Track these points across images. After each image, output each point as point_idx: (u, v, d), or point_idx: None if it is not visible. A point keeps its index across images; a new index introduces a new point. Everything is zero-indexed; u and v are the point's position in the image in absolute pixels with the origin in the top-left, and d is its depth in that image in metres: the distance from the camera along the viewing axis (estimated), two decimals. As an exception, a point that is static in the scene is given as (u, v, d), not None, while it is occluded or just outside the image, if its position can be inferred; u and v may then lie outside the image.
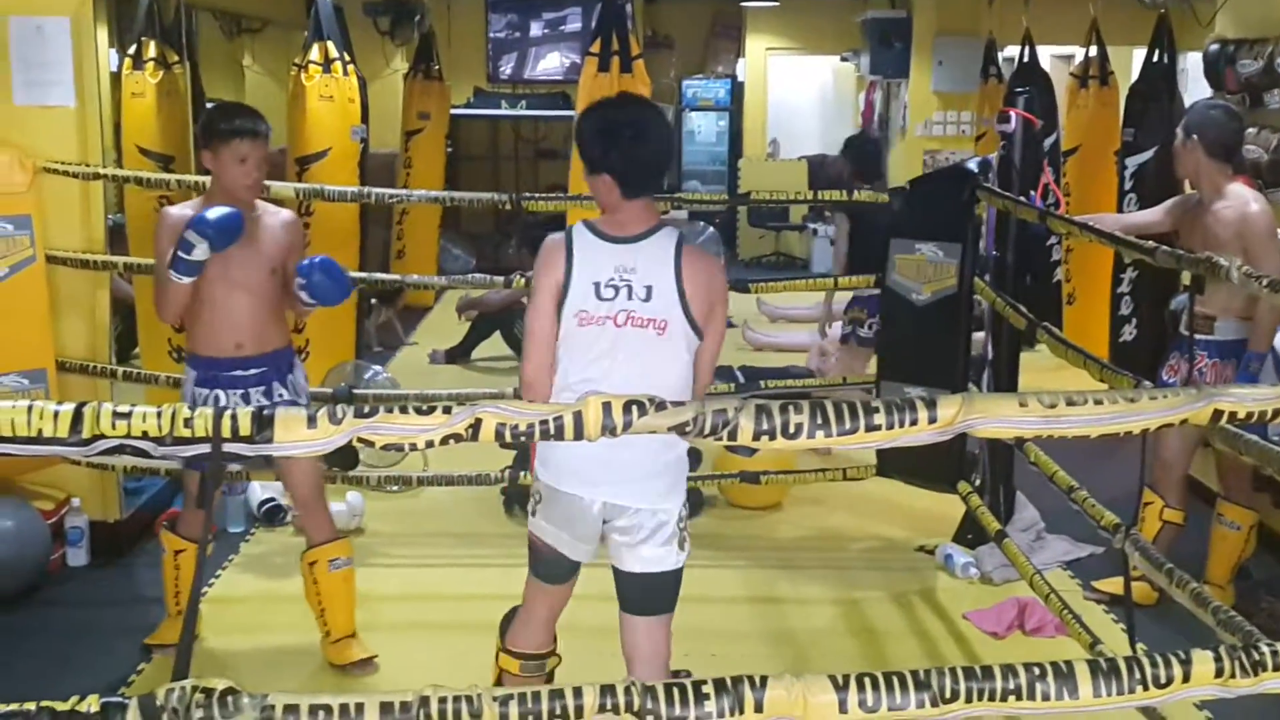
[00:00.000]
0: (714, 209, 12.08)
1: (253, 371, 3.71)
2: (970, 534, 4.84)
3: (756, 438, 1.54)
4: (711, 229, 12.18)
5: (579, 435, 1.53)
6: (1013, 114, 4.92)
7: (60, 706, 1.42)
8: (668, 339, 2.77)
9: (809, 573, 4.76)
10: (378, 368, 6.08)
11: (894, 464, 4.82)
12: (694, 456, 5.44)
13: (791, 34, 13.29)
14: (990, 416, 1.60)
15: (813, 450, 5.62)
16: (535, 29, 12.57)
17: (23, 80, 4.55)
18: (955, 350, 4.56)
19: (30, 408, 1.46)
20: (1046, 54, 9.57)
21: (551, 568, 2.96)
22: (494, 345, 8.17)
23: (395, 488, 5.13)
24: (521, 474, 4.89)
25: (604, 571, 3.00)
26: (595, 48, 5.05)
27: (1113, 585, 4.38)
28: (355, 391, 5.05)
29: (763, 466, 5.21)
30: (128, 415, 1.46)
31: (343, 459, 5.14)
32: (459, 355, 8.22)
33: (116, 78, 6.47)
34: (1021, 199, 4.61)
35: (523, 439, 1.55)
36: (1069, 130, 7.53)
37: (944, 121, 10.64)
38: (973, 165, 4.97)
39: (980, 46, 9.67)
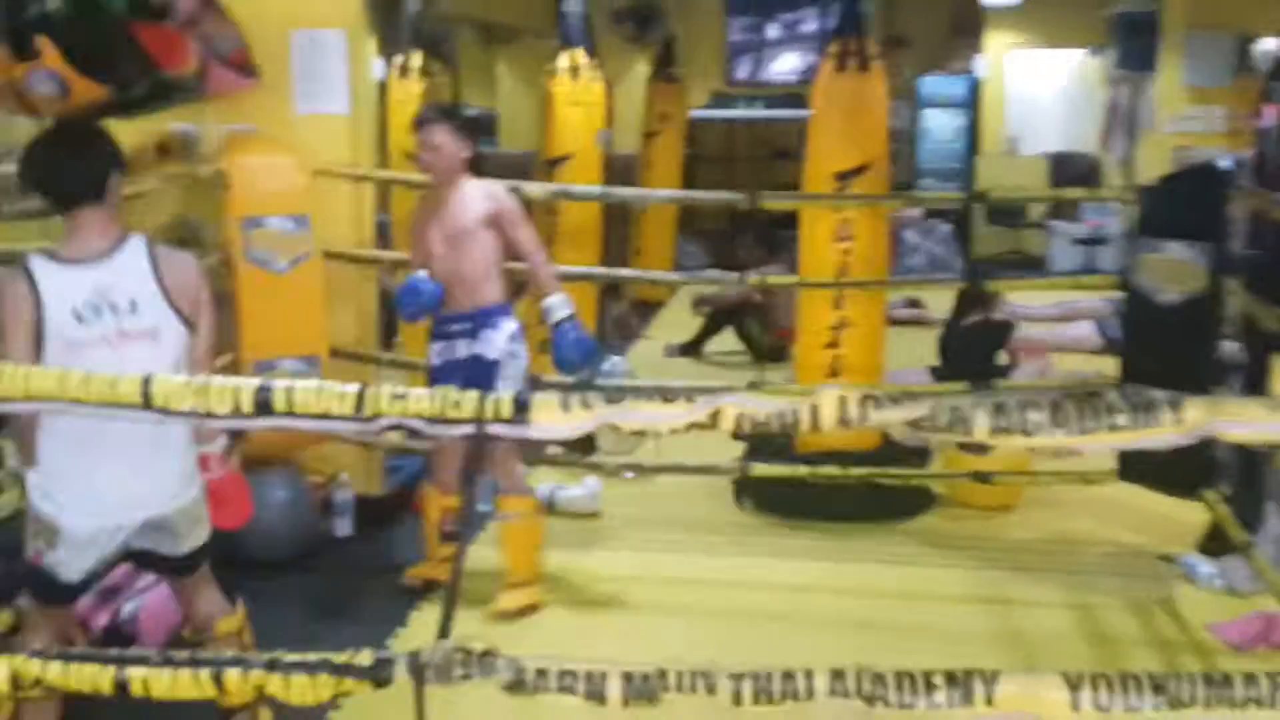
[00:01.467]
0: (950, 207, 11.85)
1: (459, 326, 4.13)
2: (1215, 544, 4.59)
3: (993, 435, 1.52)
4: (947, 227, 11.92)
5: (816, 428, 1.56)
6: (1268, 110, 4.63)
7: (337, 658, 1.54)
8: (162, 346, 2.80)
9: (1041, 576, 4.62)
10: (617, 357, 6.23)
11: (1137, 468, 4.61)
12: (922, 454, 5.36)
13: (1033, 29, 12.84)
14: (1238, 420, 1.54)
15: (1056, 452, 5.46)
16: (772, 31, 12.58)
17: (302, 90, 4.88)
18: (1203, 353, 4.33)
19: (319, 388, 1.59)
20: (1308, 46, 8.93)
21: None
22: (726, 340, 8.24)
23: (631, 474, 5.25)
24: (753, 465, 4.94)
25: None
26: (833, 48, 5.03)
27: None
28: (596, 380, 5.19)
29: (995, 467, 5.08)
30: (404, 397, 1.57)
31: (580, 445, 5.32)
32: (692, 349, 8.32)
33: (382, 86, 6.84)
34: (1277, 198, 4.35)
35: (761, 429, 1.58)
36: (1333, 125, 7.00)
37: (1194, 117, 10.07)
38: (1225, 163, 4.71)
39: (1234, 40, 9.11)
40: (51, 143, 2.84)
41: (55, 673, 1.57)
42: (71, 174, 2.78)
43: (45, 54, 3.68)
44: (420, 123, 4.14)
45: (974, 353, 6.30)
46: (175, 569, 2.94)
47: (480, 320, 4.13)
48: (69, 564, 2.65)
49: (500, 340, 4.11)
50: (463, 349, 4.15)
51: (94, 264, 2.76)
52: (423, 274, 4.17)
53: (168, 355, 2.80)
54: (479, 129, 4.09)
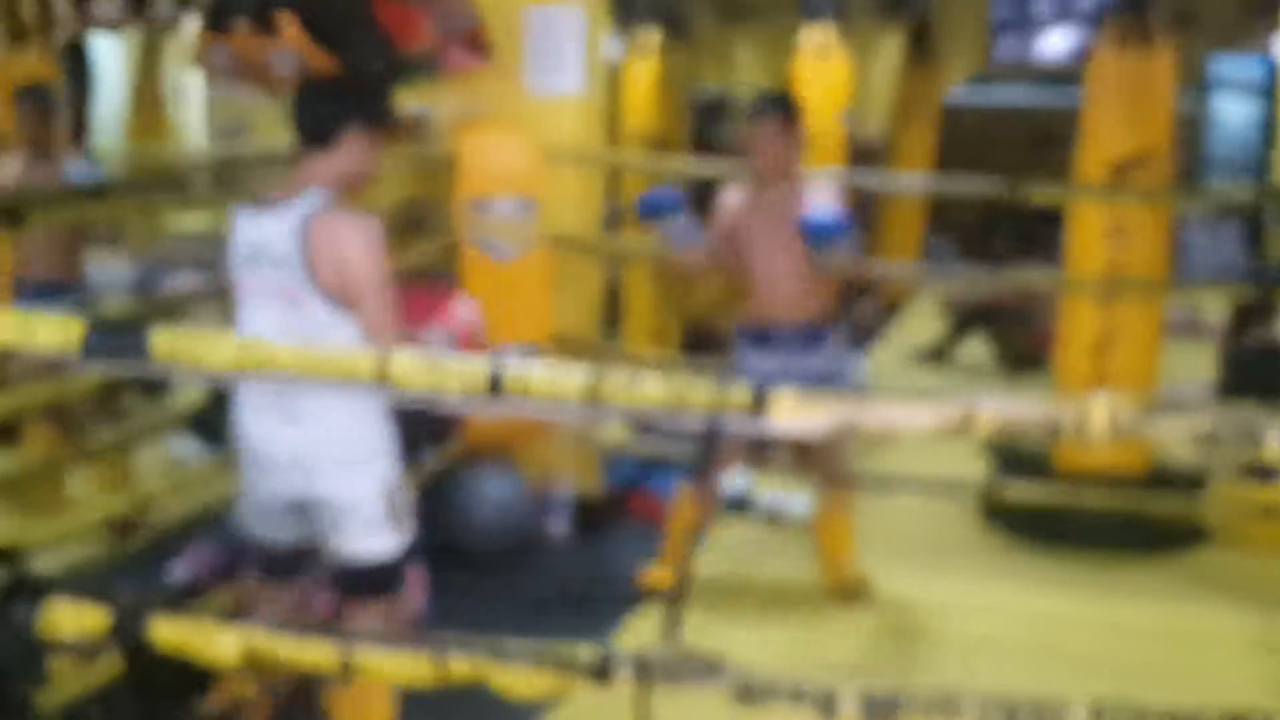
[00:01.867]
0: (1240, 203, 11.23)
1: (788, 340, 4.07)
2: None
3: (1287, 453, 1.45)
4: (1235, 225, 11.30)
5: (1082, 437, 1.52)
6: None
7: (563, 651, 1.59)
8: (304, 315, 2.75)
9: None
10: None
11: None
12: (1197, 483, 5.09)
13: (1348, 4, 12.02)
14: None
15: None
16: (1042, 6, 12.20)
17: (535, 68, 5.02)
18: None
19: (553, 371, 1.65)
20: None
21: None
22: (977, 346, 8.03)
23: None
24: (1004, 484, 4.82)
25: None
26: (1112, 24, 4.85)
27: None
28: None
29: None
30: (637, 384, 1.61)
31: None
32: (937, 354, 8.15)
33: (615, 66, 6.98)
34: None
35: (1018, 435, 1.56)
36: None
37: None
38: None
39: None
40: (311, 81, 3.04)
41: (288, 649, 1.69)
42: (305, 112, 2.89)
43: (285, 30, 3.93)
44: (753, 115, 4.04)
45: (1258, 376, 5.97)
46: None
47: (814, 335, 4.08)
48: None
49: (838, 355, 4.15)
50: (794, 364, 4.05)
51: (264, 213, 2.83)
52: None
53: (311, 328, 2.76)
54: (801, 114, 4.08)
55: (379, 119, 2.96)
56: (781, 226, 3.95)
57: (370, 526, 2.83)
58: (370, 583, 2.90)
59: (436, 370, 1.64)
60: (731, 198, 4.15)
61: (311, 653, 1.71)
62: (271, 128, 6.77)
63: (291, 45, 3.95)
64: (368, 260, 2.75)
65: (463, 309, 2.99)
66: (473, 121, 4.94)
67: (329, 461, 2.80)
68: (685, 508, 4.29)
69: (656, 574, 4.37)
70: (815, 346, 4.06)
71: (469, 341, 3.04)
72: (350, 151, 2.87)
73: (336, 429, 2.82)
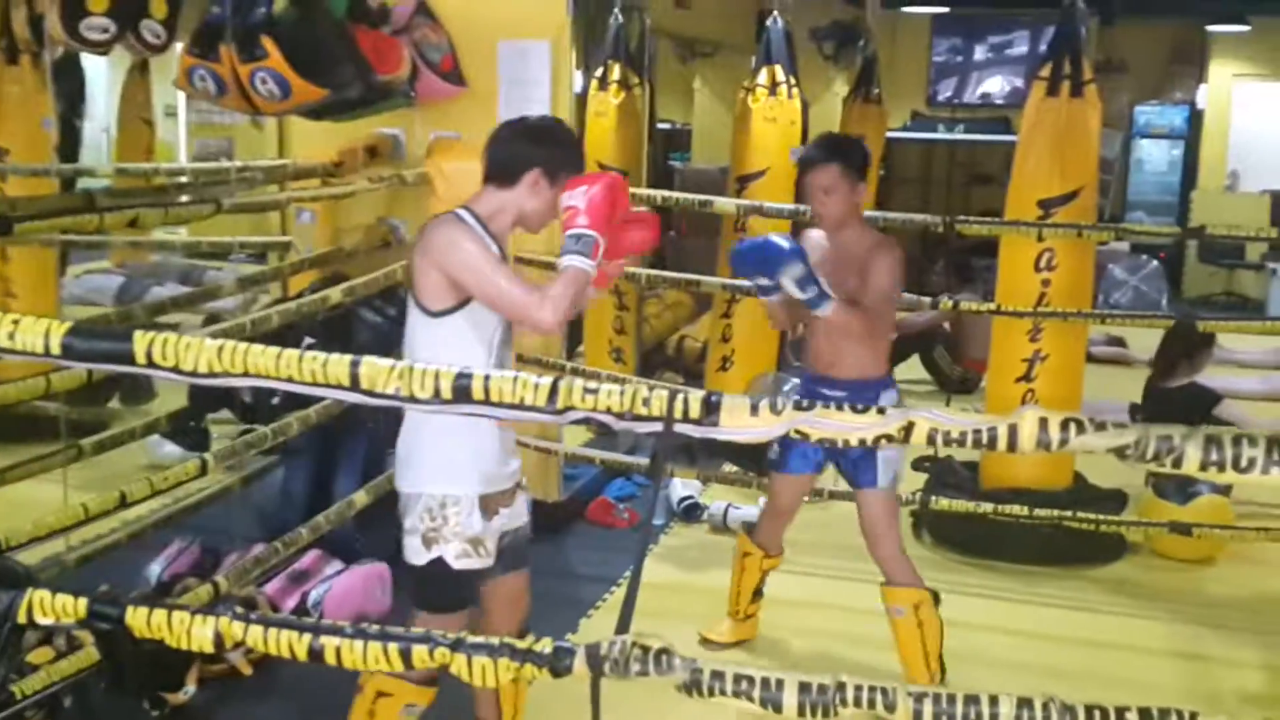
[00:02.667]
0: (1160, 242, 11.40)
1: (835, 394, 3.63)
2: None
3: (1204, 468, 1.47)
4: (1155, 263, 11.48)
5: (1012, 448, 1.53)
6: None
7: (520, 644, 1.59)
8: (433, 329, 2.72)
9: (1240, 635, 4.40)
10: (798, 380, 6.20)
11: (1353, 529, 4.36)
12: (1117, 499, 5.15)
13: (1262, 59, 12.27)
14: None
15: None
16: (979, 52, 12.38)
17: (507, 99, 5.03)
18: None
19: (515, 379, 1.66)
20: None
21: None
22: (912, 368, 8.10)
23: (807, 498, 5.21)
24: (934, 499, 4.85)
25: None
26: (1045, 71, 4.92)
27: None
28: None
29: (1195, 518, 4.87)
30: (595, 391, 1.62)
31: (758, 464, 5.33)
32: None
33: (580, 98, 7.00)
34: None
35: (955, 445, 1.57)
36: None
37: None
38: None
39: None
40: (508, 124, 2.93)
41: (256, 636, 1.68)
42: (494, 148, 2.84)
43: (270, 55, 3.92)
44: (805, 162, 3.63)
45: (1178, 411, 6.06)
46: None
47: (858, 393, 3.56)
48: None
49: None
50: None
51: None
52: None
53: (431, 341, 2.71)
54: (866, 162, 3.63)
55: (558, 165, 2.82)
56: (837, 276, 3.51)
57: (411, 535, 2.76)
58: (414, 591, 2.87)
59: (405, 376, 1.64)
60: (815, 242, 3.70)
61: (282, 641, 1.69)
62: (254, 150, 6.74)
63: (274, 70, 3.94)
64: (461, 247, 2.66)
65: (568, 197, 2.74)
66: (446, 146, 4.93)
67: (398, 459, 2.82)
68: (751, 568, 4.05)
69: (719, 630, 4.15)
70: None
71: (601, 206, 2.69)
72: (528, 186, 2.80)
73: (404, 433, 2.80)
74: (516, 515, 2.91)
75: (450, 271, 2.67)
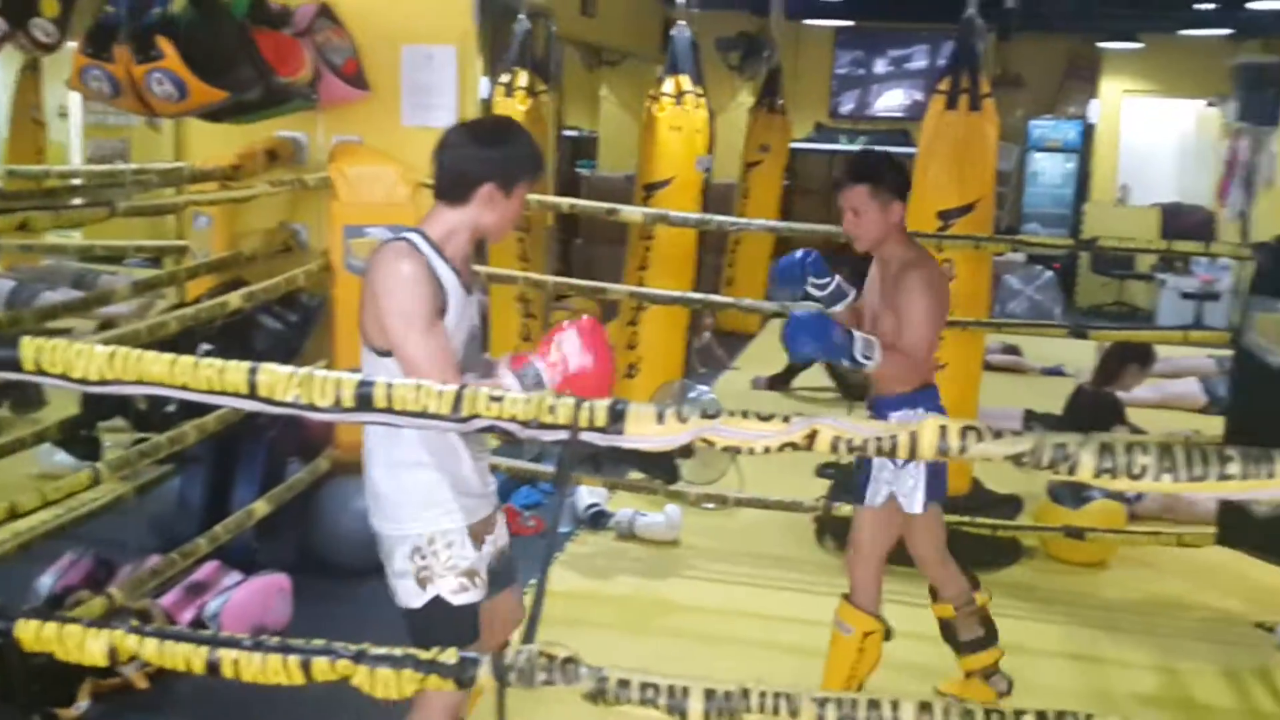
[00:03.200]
0: (1055, 253, 11.69)
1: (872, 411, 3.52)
2: (1320, 616, 4.46)
3: (1097, 475, 1.51)
4: (1050, 273, 11.77)
5: (913, 455, 1.56)
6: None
7: (423, 655, 1.57)
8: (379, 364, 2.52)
9: (1132, 636, 4.52)
10: (704, 387, 6.23)
11: (1236, 533, 4.50)
12: (1013, 504, 5.27)
13: (1152, 76, 12.67)
14: (1356, 476, 1.51)
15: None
16: (880, 66, 12.58)
17: (411, 104, 4.99)
18: (1315, 418, 4.22)
19: (418, 387, 1.63)
20: None
21: None
22: (815, 376, 8.20)
23: (711, 505, 5.25)
24: (837, 505, 4.91)
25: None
26: (943, 85, 5.00)
27: None
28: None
29: (1088, 522, 5.00)
30: (500, 399, 1.60)
31: (664, 472, 5.35)
32: (780, 383, 8.31)
33: (487, 104, 6.97)
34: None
35: (857, 454, 1.59)
36: None
37: (1318, 174, 9.84)
38: (1350, 221, 4.58)
39: (1366, 95, 8.90)
40: (456, 129, 2.71)
41: (151, 649, 1.63)
42: (441, 159, 2.62)
43: (166, 56, 3.83)
44: (838, 184, 3.50)
45: (1094, 419, 6.27)
46: None
47: (875, 412, 3.49)
48: None
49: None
50: None
51: None
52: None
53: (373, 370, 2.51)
54: (907, 181, 3.48)
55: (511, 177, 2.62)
56: (870, 296, 3.48)
57: (402, 578, 2.62)
58: (417, 636, 2.59)
59: (305, 383, 1.61)
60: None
61: (178, 654, 1.65)
62: (150, 152, 6.59)
63: (170, 71, 3.85)
64: (392, 299, 2.44)
65: (566, 343, 2.51)
66: (349, 150, 4.87)
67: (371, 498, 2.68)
68: (869, 648, 3.67)
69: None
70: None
71: (572, 382, 2.49)
72: (478, 202, 2.60)
73: (376, 472, 2.64)
74: (500, 536, 2.79)
75: (381, 315, 2.47)
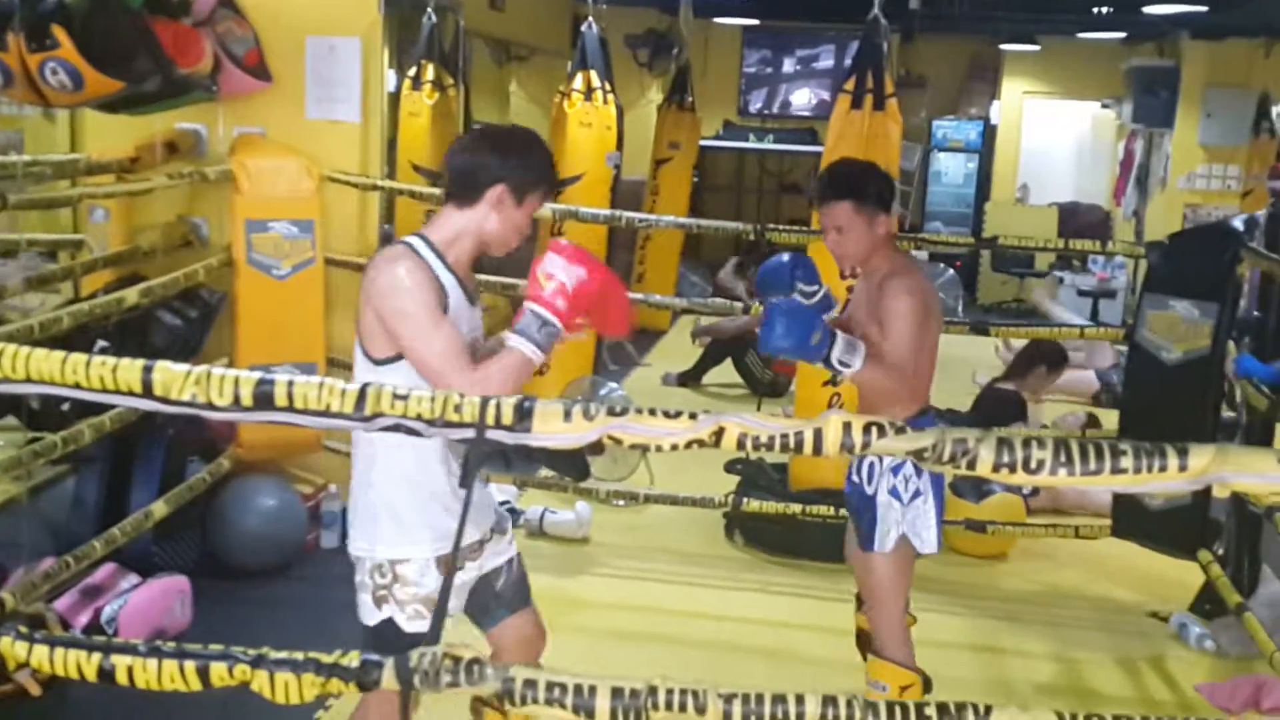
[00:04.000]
0: (957, 251, 11.90)
1: None
2: (1208, 605, 4.60)
3: (996, 470, 1.54)
4: (951, 271, 11.99)
5: (818, 451, 1.57)
6: (1286, 170, 4.67)
7: (325, 658, 1.54)
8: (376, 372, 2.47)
9: (1032, 628, 4.62)
10: (614, 384, 6.24)
11: (1131, 525, 4.63)
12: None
13: (1051, 78, 12.96)
14: (1244, 470, 1.55)
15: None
16: (788, 65, 12.68)
17: (315, 96, 4.92)
18: (1204, 414, 4.34)
19: (321, 384, 1.61)
20: (1327, 110, 9.02)
21: None
22: (724, 372, 8.26)
23: (622, 502, 5.25)
24: (745, 500, 4.94)
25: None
26: (849, 85, 5.07)
27: (1365, 674, 4.08)
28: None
29: (988, 516, 5.10)
30: (405, 397, 1.58)
31: (574, 469, 5.34)
32: (690, 379, 8.34)
33: (394, 98, 6.89)
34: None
35: (763, 450, 1.60)
36: (1347, 190, 7.07)
37: (1209, 175, 10.17)
38: (1238, 223, 4.73)
39: (1252, 99, 9.22)
40: (475, 132, 2.67)
41: (41, 656, 1.58)
42: (453, 159, 2.57)
43: (61, 45, 3.72)
44: (813, 200, 3.33)
45: (999, 414, 6.41)
46: None
47: None
48: None
49: (884, 473, 3.18)
50: (853, 473, 3.28)
51: None
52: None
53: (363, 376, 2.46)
54: (892, 189, 3.28)
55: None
56: (859, 314, 3.26)
57: (361, 591, 2.54)
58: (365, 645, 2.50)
59: (202, 382, 1.57)
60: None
61: (70, 661, 1.60)
62: (45, 143, 6.39)
63: (65, 60, 3.74)
64: (397, 296, 2.38)
65: (552, 268, 2.38)
66: (251, 142, 4.78)
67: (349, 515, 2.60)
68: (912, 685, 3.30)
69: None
70: (862, 460, 3.23)
71: (581, 298, 2.37)
72: (488, 203, 2.53)
73: (355, 487, 2.58)
74: (497, 554, 2.71)
75: (385, 320, 2.41)
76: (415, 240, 2.50)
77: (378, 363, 2.45)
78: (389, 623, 2.47)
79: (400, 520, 2.48)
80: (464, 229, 2.52)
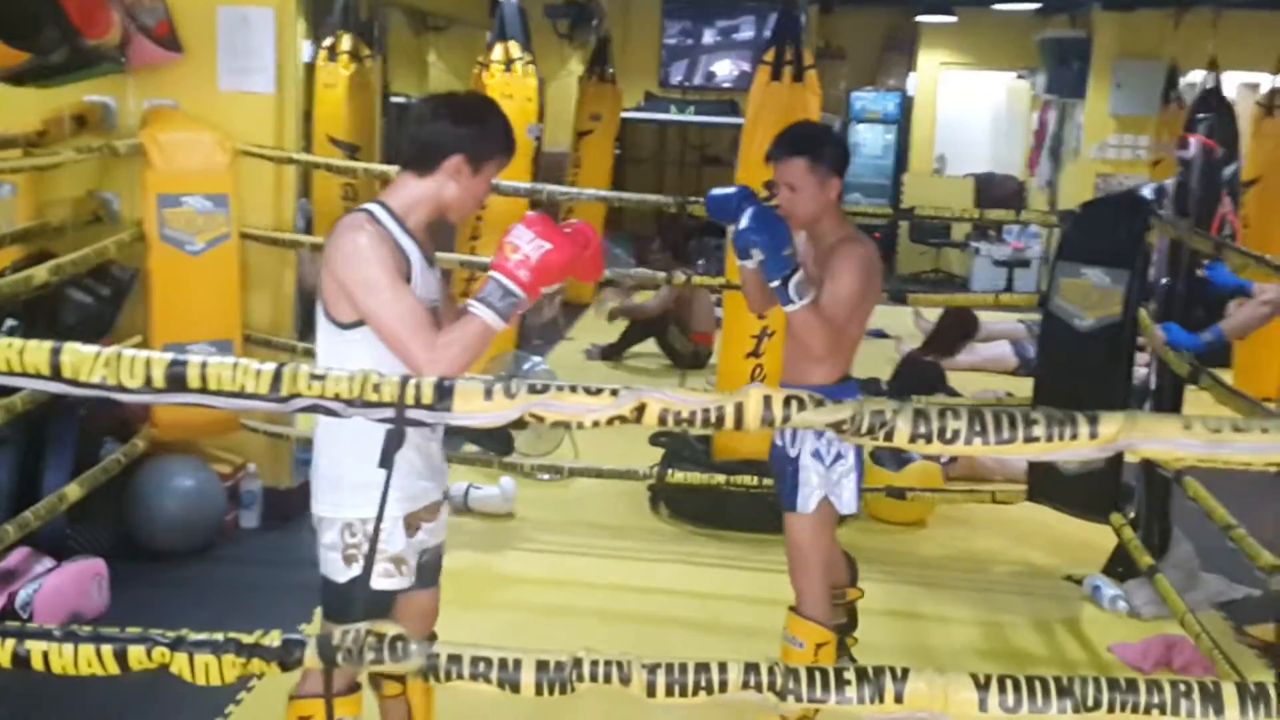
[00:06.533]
0: (876, 222, 12.02)
1: None
2: (1121, 567, 4.72)
3: (913, 440, 1.56)
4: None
5: (739, 425, 1.58)
6: (1193, 140, 4.79)
7: (245, 639, 1.53)
8: (340, 341, 2.52)
9: (951, 592, 4.71)
10: (537, 358, 6.21)
11: (1045, 490, 4.73)
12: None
13: (966, 49, 13.11)
14: (1152, 437, 1.59)
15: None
16: (708, 36, 12.67)
17: (228, 67, 4.81)
18: (1116, 379, 4.45)
19: (235, 365, 1.58)
20: (1232, 81, 9.23)
21: None
22: (648, 345, 8.28)
23: (547, 476, 5.26)
24: (670, 472, 4.97)
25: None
26: (769, 56, 5.08)
27: (1267, 632, 4.22)
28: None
29: (908, 483, 5.18)
30: (322, 377, 1.56)
31: (498, 444, 5.32)
32: (613, 353, 8.36)
33: (310, 68, 6.77)
34: (1196, 229, 4.48)
35: (684, 425, 1.61)
36: (1251, 160, 7.26)
37: (1119, 145, 10.37)
38: (1147, 191, 4.85)
39: (1162, 70, 9.41)
40: (431, 100, 2.64)
41: (-51, 645, 1.54)
42: (411, 129, 2.59)
43: (-40, 14, 3.60)
44: (768, 157, 3.27)
45: (919, 382, 6.51)
46: None
47: None
48: None
49: (806, 435, 3.23)
50: (777, 436, 3.34)
51: None
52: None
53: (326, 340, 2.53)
54: (846, 155, 3.36)
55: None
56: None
57: (330, 550, 2.58)
58: (327, 603, 2.64)
59: (112, 363, 1.54)
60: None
61: (-21, 652, 1.57)
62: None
63: (-34, 30, 3.63)
64: (357, 264, 2.40)
65: (518, 240, 2.37)
66: (163, 115, 4.67)
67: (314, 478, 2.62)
68: (824, 660, 3.33)
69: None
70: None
71: (546, 270, 2.37)
72: (445, 174, 2.55)
73: (320, 455, 2.61)
74: (437, 531, 2.73)
75: (346, 287, 2.43)
76: (375, 207, 2.54)
77: (343, 327, 2.48)
78: (359, 580, 2.48)
79: (367, 480, 2.39)
80: (422, 197, 2.56)
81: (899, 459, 5.35)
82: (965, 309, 7.30)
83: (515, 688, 1.50)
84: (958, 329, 6.85)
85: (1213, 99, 7.32)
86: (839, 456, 3.26)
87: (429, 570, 2.76)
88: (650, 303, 8.07)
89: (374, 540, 2.09)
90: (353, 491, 2.51)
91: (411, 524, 2.59)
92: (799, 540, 3.34)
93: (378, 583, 2.52)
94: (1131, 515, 4.71)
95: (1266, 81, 7.69)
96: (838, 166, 3.24)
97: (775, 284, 3.03)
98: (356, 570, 2.51)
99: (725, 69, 12.68)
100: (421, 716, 2.87)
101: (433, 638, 2.64)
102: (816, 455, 3.25)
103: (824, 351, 3.18)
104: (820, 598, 3.34)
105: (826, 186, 3.20)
